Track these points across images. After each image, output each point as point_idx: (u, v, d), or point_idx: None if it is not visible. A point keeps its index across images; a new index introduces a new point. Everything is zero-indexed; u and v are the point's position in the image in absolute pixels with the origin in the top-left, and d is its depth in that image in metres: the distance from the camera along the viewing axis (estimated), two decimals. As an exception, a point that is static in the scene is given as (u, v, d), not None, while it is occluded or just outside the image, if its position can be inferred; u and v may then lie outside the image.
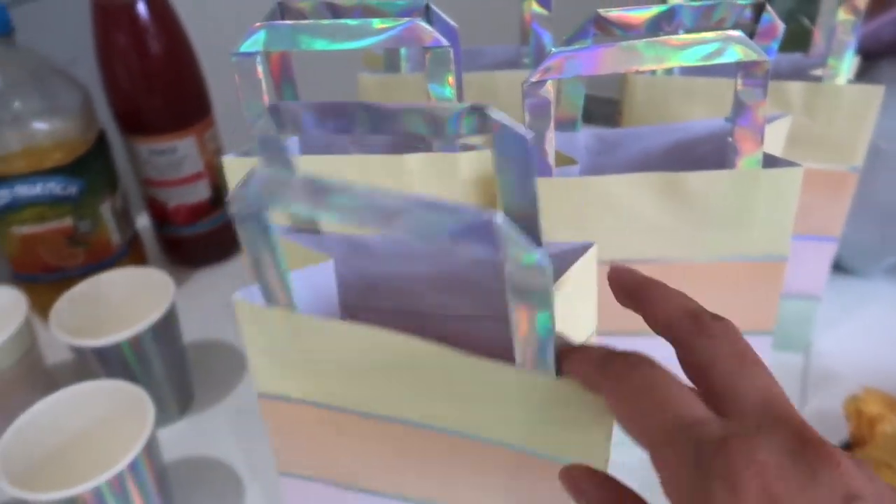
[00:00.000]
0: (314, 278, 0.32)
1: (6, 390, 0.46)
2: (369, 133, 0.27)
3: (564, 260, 0.29)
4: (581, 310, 0.30)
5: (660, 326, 0.25)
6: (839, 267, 0.58)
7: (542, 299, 0.24)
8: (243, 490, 0.46)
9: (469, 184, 0.39)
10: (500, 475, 0.30)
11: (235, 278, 0.65)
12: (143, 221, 0.67)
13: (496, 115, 0.25)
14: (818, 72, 0.47)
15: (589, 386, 0.24)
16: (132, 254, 0.61)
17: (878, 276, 0.59)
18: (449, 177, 0.39)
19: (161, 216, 0.63)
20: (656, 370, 0.23)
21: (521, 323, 0.24)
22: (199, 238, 0.64)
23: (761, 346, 0.41)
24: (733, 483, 0.19)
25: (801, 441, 0.20)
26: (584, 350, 0.25)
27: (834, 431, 0.44)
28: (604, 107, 0.66)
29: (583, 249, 0.29)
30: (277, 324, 0.29)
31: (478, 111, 0.25)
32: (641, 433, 0.22)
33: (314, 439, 0.32)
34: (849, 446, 0.41)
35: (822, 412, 0.47)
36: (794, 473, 0.19)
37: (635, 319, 0.27)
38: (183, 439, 0.49)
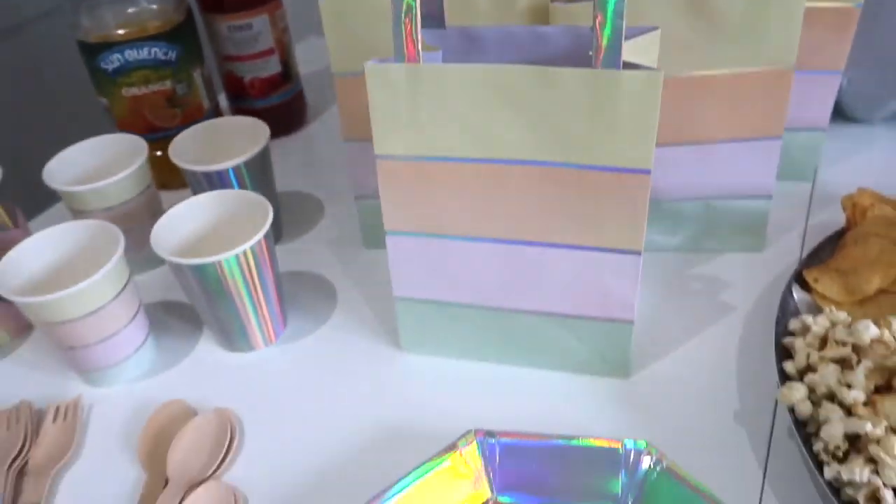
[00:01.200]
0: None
1: (131, 215, 0.55)
2: None
3: (633, 34, 0.37)
4: None
5: None
6: (843, 115, 0.65)
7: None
8: (335, 291, 0.55)
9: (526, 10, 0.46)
10: (565, 195, 0.39)
11: (304, 148, 0.74)
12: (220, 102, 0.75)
13: None
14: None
15: None
16: (216, 121, 0.69)
17: (879, 123, 0.66)
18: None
19: (238, 89, 0.71)
20: None
21: (598, 28, 0.34)
22: (272, 110, 0.72)
23: (772, 150, 0.49)
24: None
25: None
26: None
27: (831, 230, 0.52)
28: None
29: (649, 29, 0.38)
30: (404, 78, 0.38)
31: None
32: None
33: (420, 192, 0.41)
34: (844, 231, 0.49)
35: (824, 222, 0.55)
36: None
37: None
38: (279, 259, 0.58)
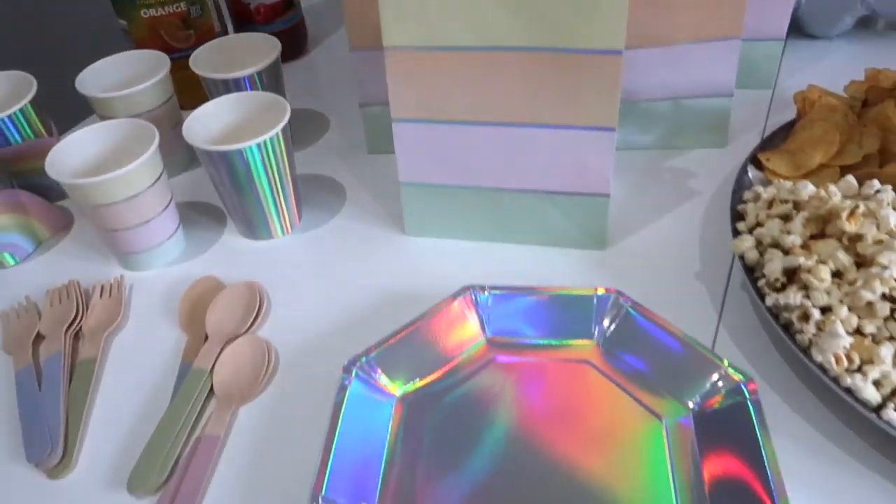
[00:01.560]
0: None
1: (155, 123, 0.60)
2: None
3: None
4: None
5: None
6: (802, 32, 0.71)
7: None
8: (344, 190, 0.61)
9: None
10: (548, 77, 0.45)
11: (307, 71, 0.79)
12: (223, 30, 0.79)
13: None
14: None
15: None
16: (225, 45, 0.74)
17: (835, 39, 0.72)
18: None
19: (244, 16, 0.76)
20: None
21: None
22: (276, 35, 0.77)
23: (732, 50, 0.55)
24: None
25: None
26: None
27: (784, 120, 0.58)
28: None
29: None
30: None
31: None
32: None
33: (424, 80, 0.47)
34: (795, 121, 0.55)
35: (779, 121, 0.61)
36: None
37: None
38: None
